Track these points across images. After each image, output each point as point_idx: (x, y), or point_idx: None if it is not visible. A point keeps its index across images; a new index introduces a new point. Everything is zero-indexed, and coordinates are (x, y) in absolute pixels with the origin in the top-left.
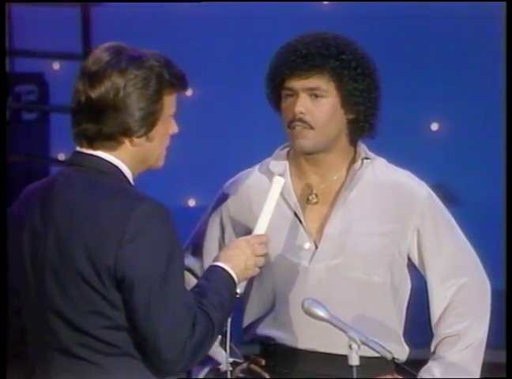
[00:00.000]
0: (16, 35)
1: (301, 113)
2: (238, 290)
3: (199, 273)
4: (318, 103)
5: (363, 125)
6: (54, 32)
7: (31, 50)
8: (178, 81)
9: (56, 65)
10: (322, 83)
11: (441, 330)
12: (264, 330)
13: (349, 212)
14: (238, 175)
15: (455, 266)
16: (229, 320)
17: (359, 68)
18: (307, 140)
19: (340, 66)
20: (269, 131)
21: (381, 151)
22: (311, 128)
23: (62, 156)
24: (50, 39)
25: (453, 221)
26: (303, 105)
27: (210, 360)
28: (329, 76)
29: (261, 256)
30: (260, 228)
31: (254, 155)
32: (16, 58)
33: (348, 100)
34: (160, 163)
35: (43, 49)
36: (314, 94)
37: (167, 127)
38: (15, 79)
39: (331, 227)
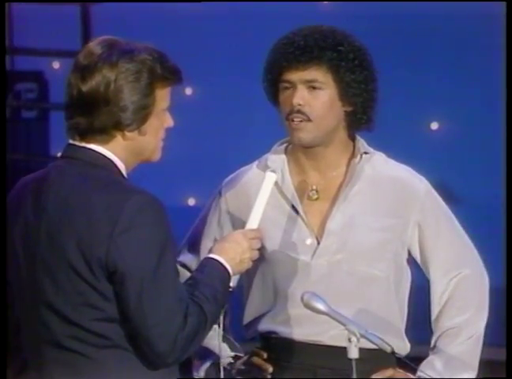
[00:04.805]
0: (17, 34)
1: (299, 105)
2: (231, 284)
3: None
4: (316, 95)
5: (360, 117)
6: (54, 31)
7: (31, 49)
8: (171, 75)
9: (56, 64)
10: (320, 75)
11: (442, 323)
12: (265, 326)
13: (350, 207)
14: (236, 172)
15: (456, 259)
16: (223, 312)
17: (356, 59)
18: (306, 132)
19: (338, 58)
20: (270, 130)
21: (381, 150)
22: (309, 120)
23: None
24: (50, 38)
25: (452, 216)
26: (302, 97)
27: (211, 354)
28: (327, 68)
29: (257, 250)
30: (252, 223)
31: (255, 154)
32: (16, 56)
33: (345, 92)
34: (156, 156)
35: (43, 47)
36: (311, 86)
37: (161, 121)
38: (15, 77)
39: (333, 222)
